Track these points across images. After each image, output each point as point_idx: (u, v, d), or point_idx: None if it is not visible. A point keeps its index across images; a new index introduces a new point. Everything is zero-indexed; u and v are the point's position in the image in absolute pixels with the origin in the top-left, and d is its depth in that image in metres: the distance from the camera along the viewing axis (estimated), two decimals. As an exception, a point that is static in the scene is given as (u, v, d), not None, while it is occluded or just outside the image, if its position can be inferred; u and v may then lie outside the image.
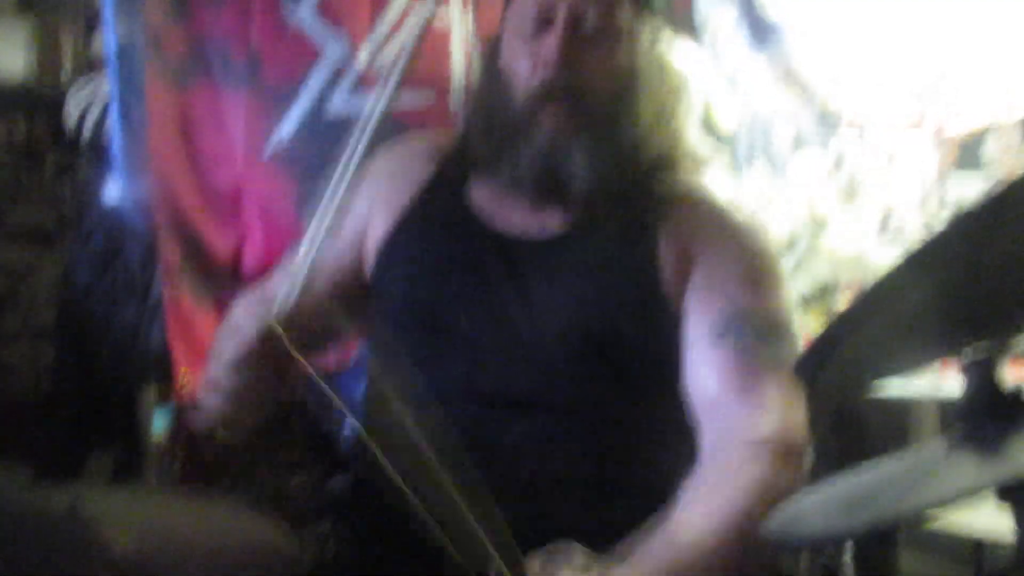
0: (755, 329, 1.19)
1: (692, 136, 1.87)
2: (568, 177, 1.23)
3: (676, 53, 1.34)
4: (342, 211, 1.35)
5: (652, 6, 1.29)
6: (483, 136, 1.28)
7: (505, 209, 1.28)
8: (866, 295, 0.74)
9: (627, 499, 1.18)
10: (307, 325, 1.34)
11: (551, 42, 1.22)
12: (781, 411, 1.13)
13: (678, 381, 1.25)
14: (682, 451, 1.27)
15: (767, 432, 1.12)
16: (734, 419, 1.14)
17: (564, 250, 1.26)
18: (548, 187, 1.24)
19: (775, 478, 1.08)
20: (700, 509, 1.08)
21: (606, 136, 1.24)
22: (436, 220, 1.30)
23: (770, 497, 1.00)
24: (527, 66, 1.24)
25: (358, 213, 1.34)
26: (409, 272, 1.28)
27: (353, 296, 1.35)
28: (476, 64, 1.58)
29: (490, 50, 1.34)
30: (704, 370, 1.19)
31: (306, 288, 1.29)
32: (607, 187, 1.24)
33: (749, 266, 1.25)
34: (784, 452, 1.11)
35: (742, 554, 0.93)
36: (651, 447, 1.23)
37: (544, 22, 1.23)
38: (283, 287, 1.17)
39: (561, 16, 1.22)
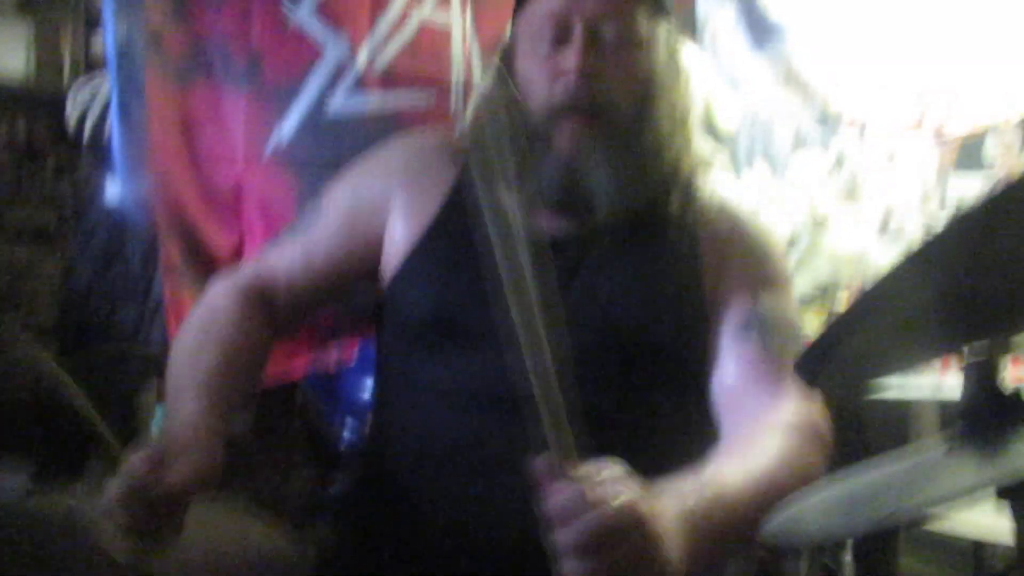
0: (775, 325, 1.24)
1: (696, 137, 1.88)
2: (590, 191, 1.22)
3: (684, 55, 1.34)
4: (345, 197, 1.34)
5: (668, 12, 1.28)
6: (501, 149, 1.26)
7: (535, 212, 1.24)
8: (866, 295, 0.74)
9: None
10: (294, 308, 1.34)
11: (570, 57, 1.20)
12: (805, 400, 1.17)
13: (702, 382, 1.27)
14: (700, 452, 1.29)
15: (794, 418, 1.15)
16: (761, 408, 1.17)
17: (603, 250, 1.24)
18: (570, 200, 1.23)
19: (803, 456, 1.10)
20: (734, 468, 1.06)
21: (627, 147, 1.23)
22: (465, 226, 1.23)
23: (798, 473, 1.05)
24: (545, 80, 1.22)
25: (374, 207, 1.32)
26: (441, 280, 1.25)
27: (352, 286, 1.34)
28: (486, 75, 1.56)
29: (502, 59, 1.31)
30: (730, 364, 1.22)
31: (304, 268, 1.31)
32: (629, 198, 1.23)
33: (771, 270, 1.30)
34: (811, 436, 1.14)
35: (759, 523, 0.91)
36: (673, 450, 1.22)
37: (561, 36, 1.22)
38: None
39: (579, 31, 1.21)
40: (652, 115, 1.25)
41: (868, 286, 0.73)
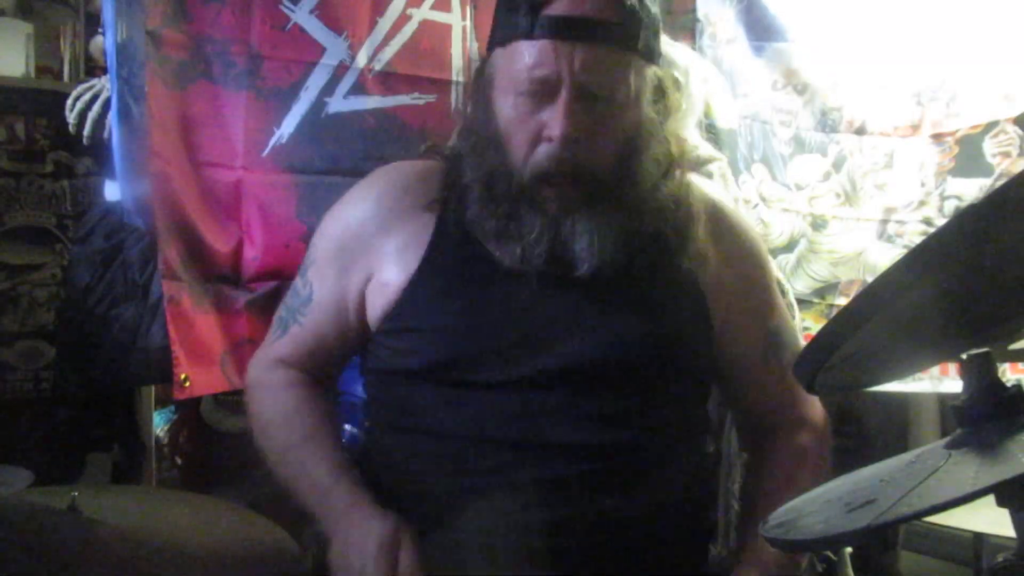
0: (789, 343, 1.33)
1: (694, 138, 1.88)
2: (576, 251, 1.17)
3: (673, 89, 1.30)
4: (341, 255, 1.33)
5: (657, 57, 1.22)
6: (485, 206, 1.21)
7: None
8: (866, 295, 0.74)
9: (659, 526, 1.19)
10: (322, 370, 1.35)
11: (556, 122, 1.13)
12: (818, 405, 1.34)
13: (703, 396, 1.31)
14: (702, 470, 1.34)
15: (819, 424, 1.32)
16: (793, 421, 1.31)
17: (603, 282, 1.21)
18: (556, 261, 1.18)
19: (826, 459, 1.30)
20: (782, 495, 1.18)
21: (613, 204, 1.18)
22: (455, 268, 1.24)
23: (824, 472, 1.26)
24: (526, 138, 1.16)
25: (361, 261, 1.29)
26: (439, 323, 1.22)
27: (353, 338, 1.33)
28: (469, 89, 1.53)
29: (481, 96, 1.24)
30: (758, 388, 1.33)
31: (318, 339, 1.32)
32: (617, 252, 1.19)
33: (768, 282, 1.37)
34: (826, 436, 1.33)
35: None
36: (683, 478, 1.24)
37: (545, 92, 1.14)
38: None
39: (565, 93, 1.13)
40: (637, 170, 1.20)
41: (868, 286, 0.73)
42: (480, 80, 1.26)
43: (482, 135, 1.23)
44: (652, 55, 1.21)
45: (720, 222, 1.32)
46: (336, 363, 1.38)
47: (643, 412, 1.19)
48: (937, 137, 2.13)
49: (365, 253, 1.29)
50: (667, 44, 1.90)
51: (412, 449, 1.23)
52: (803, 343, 1.42)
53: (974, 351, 0.75)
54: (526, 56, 1.15)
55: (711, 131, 2.02)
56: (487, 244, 1.22)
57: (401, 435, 1.25)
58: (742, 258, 1.32)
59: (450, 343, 1.20)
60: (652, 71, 1.22)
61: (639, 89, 1.19)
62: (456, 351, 1.20)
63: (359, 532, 1.11)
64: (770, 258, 1.43)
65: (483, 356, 1.18)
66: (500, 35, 1.23)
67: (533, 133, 1.16)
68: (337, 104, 1.72)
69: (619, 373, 1.19)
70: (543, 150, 1.16)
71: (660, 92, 1.24)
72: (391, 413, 1.28)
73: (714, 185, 1.54)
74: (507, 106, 1.19)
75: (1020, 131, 2.03)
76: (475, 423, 1.18)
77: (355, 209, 1.34)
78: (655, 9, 1.22)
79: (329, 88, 1.72)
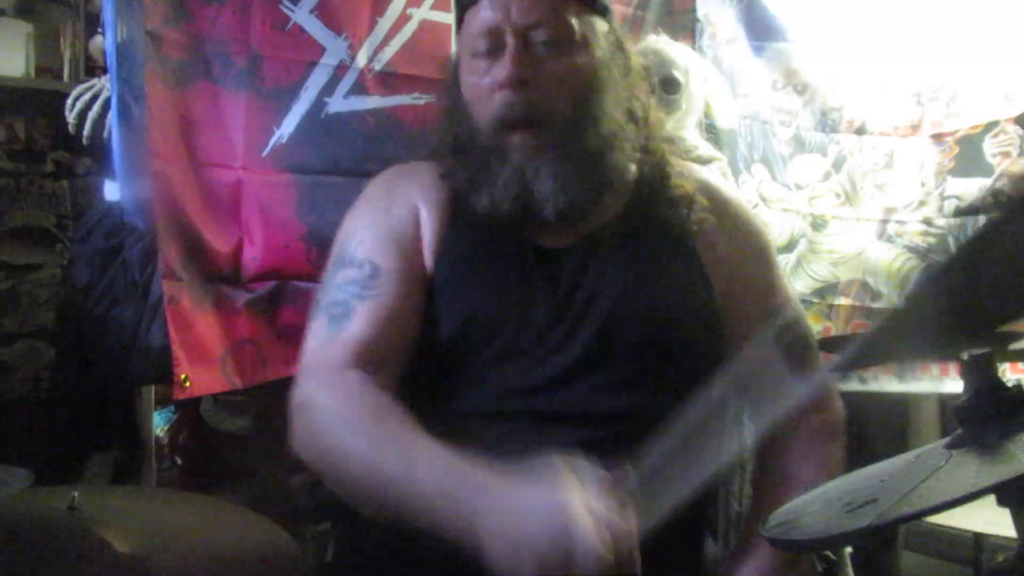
0: (801, 324, 1.36)
1: (694, 138, 1.88)
2: (540, 195, 1.22)
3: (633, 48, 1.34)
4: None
5: (603, 9, 1.28)
6: (457, 167, 1.27)
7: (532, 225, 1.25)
8: (896, 314, 0.74)
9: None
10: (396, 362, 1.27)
11: (503, 67, 1.21)
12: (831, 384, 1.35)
13: (711, 370, 1.31)
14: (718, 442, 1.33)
15: (834, 408, 1.32)
16: (808, 402, 1.28)
17: (602, 254, 1.24)
18: (525, 209, 1.22)
19: (842, 446, 1.30)
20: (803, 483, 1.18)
21: (574, 149, 1.23)
22: (471, 246, 1.27)
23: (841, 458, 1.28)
24: (485, 94, 1.24)
25: (412, 232, 1.28)
26: (464, 301, 1.23)
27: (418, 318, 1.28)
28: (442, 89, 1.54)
29: (450, 76, 1.32)
30: (774, 369, 1.28)
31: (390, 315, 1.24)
32: (583, 200, 1.23)
33: (770, 265, 1.37)
34: (837, 415, 1.32)
35: None
36: (702, 444, 1.24)
37: (495, 48, 1.22)
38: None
39: (510, 39, 1.21)
40: (597, 113, 1.25)
41: (896, 308, 0.73)
42: (452, 64, 1.33)
43: (452, 107, 1.31)
44: (599, 7, 1.28)
45: (715, 200, 1.33)
46: (403, 352, 1.25)
47: (653, 383, 1.21)
48: (937, 137, 2.13)
49: (412, 225, 1.29)
50: (667, 44, 1.91)
51: (437, 431, 1.22)
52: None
53: (974, 351, 0.75)
54: (474, 19, 1.25)
55: (711, 131, 2.02)
56: (468, 198, 1.26)
57: (427, 420, 1.25)
58: (740, 236, 1.33)
59: (468, 316, 1.22)
60: (603, 23, 1.28)
61: (586, 35, 1.25)
62: (474, 325, 1.22)
63: (525, 500, 0.95)
64: (765, 225, 1.45)
65: (499, 327, 1.21)
66: (458, 14, 1.31)
67: (489, 87, 1.23)
68: (337, 104, 1.73)
69: (628, 344, 1.20)
70: (498, 99, 1.23)
71: (617, 47, 1.30)
72: (416, 399, 1.28)
73: (709, 171, 1.54)
74: (467, 72, 1.27)
75: (1020, 131, 2.03)
76: (494, 396, 1.19)
77: (387, 192, 1.34)
78: None
79: (329, 88, 1.72)
